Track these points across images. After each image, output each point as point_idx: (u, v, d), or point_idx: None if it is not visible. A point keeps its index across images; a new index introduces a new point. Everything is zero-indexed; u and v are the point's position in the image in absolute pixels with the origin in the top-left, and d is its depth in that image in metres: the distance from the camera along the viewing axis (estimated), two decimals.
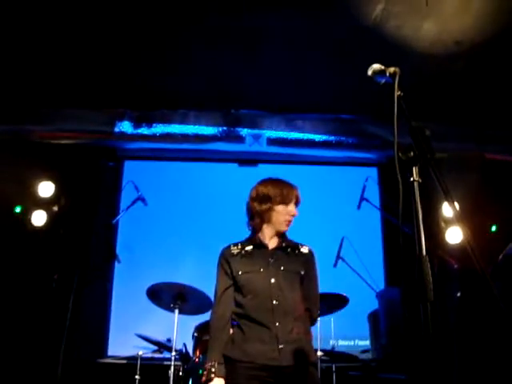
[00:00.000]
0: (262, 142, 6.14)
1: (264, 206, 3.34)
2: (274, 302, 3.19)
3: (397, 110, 1.84)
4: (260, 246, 3.38)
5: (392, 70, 2.00)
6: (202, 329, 4.72)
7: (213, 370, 3.11)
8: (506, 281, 5.28)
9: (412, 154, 1.84)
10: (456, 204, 5.39)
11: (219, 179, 6.73)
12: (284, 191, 3.36)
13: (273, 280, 3.23)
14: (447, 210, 5.84)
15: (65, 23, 4.87)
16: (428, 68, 5.18)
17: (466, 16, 4.68)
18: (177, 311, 4.76)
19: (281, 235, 3.42)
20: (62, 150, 6.33)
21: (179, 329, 4.74)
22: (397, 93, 1.91)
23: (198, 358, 4.55)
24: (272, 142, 6.16)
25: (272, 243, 3.40)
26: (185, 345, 4.85)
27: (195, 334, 4.75)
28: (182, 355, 4.76)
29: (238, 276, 3.29)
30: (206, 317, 4.81)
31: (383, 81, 2.03)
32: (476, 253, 1.65)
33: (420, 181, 1.77)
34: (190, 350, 4.80)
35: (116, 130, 6.18)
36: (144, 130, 6.19)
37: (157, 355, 5.15)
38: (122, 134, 6.22)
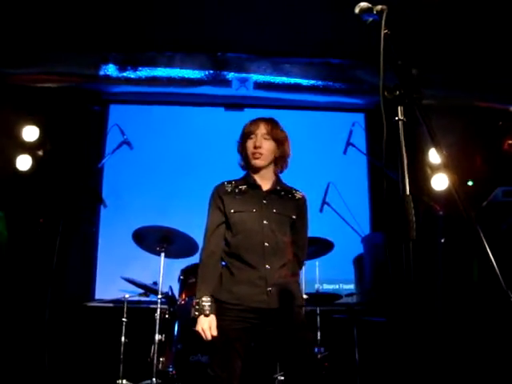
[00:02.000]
0: (249, 86, 6.08)
1: (240, 146, 3.46)
2: (266, 243, 3.20)
3: (383, 48, 1.82)
4: (254, 186, 3.39)
5: (379, 7, 1.97)
6: (187, 272, 4.77)
7: (206, 306, 3.10)
8: (489, 226, 5.35)
9: (398, 92, 1.82)
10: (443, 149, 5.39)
11: (205, 123, 6.68)
12: (247, 126, 3.45)
13: (265, 221, 3.24)
14: (433, 156, 5.85)
15: None
16: (415, 12, 5.10)
17: None
18: (163, 254, 4.79)
19: (275, 178, 3.44)
20: (46, 93, 6.24)
21: (165, 272, 4.78)
22: (384, 31, 1.88)
23: (184, 300, 4.61)
24: (259, 86, 6.09)
25: (266, 185, 3.41)
26: (171, 288, 4.90)
27: (181, 277, 4.80)
28: (168, 298, 4.82)
29: (230, 214, 3.29)
30: (191, 260, 4.87)
31: (370, 19, 2.00)
32: (462, 198, 1.65)
33: (405, 120, 1.76)
34: (176, 293, 4.85)
35: (101, 73, 6.09)
36: (129, 74, 6.10)
37: (143, 298, 5.19)
38: (107, 78, 6.13)
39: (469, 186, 6.16)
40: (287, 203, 3.39)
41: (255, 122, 3.43)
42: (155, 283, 4.90)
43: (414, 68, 1.74)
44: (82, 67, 6.12)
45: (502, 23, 5.40)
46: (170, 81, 6.09)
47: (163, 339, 4.60)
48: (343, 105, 6.66)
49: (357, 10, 2.02)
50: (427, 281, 5.74)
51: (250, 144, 3.38)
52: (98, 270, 6.36)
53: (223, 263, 3.29)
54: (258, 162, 3.36)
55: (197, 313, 3.13)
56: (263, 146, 3.34)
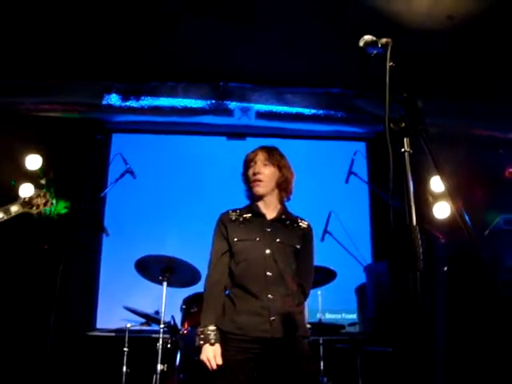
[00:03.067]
0: (251, 116, 6.12)
1: (244, 176, 3.46)
2: (268, 272, 3.17)
3: (389, 80, 1.84)
4: (258, 214, 3.37)
5: (384, 40, 1.99)
6: (190, 301, 4.74)
7: (211, 334, 3.08)
8: (490, 255, 5.35)
9: (403, 124, 1.84)
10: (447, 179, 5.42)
11: (207, 152, 6.71)
12: (247, 156, 3.47)
13: (268, 251, 3.22)
14: (435, 184, 5.87)
15: None
16: (418, 42, 5.16)
17: None
18: (165, 284, 4.77)
19: (281, 207, 3.42)
20: (49, 122, 6.28)
21: (167, 301, 4.75)
22: (389, 63, 1.91)
23: (187, 330, 4.57)
24: (261, 115, 6.14)
25: (271, 214, 3.38)
26: (173, 317, 4.87)
27: (183, 307, 4.77)
28: (171, 327, 4.78)
29: (233, 242, 3.28)
30: (194, 289, 4.85)
31: (375, 52, 2.02)
32: (467, 226, 1.66)
33: (411, 152, 1.77)
34: (179, 323, 4.82)
35: (104, 102, 6.14)
36: (132, 103, 6.15)
37: (145, 328, 5.17)
38: (110, 107, 6.19)
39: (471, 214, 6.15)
40: (292, 232, 3.35)
41: (254, 150, 3.46)
42: (157, 312, 4.88)
43: (418, 99, 1.75)
44: (86, 97, 6.17)
45: (501, 52, 5.45)
46: (173, 110, 6.14)
47: (165, 369, 4.55)
48: (344, 134, 6.70)
49: (361, 43, 2.04)
50: (429, 309, 5.72)
51: (250, 172, 3.39)
52: (99, 299, 6.34)
53: (226, 292, 3.28)
54: (258, 190, 3.35)
55: (201, 342, 3.10)
56: (262, 172, 3.34)
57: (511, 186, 6.48)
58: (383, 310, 5.34)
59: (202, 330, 3.13)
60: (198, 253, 5.52)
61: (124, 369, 4.80)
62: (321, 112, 6.17)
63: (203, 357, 3.08)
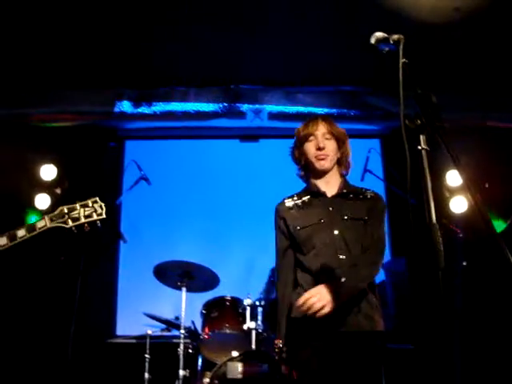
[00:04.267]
0: (263, 117, 6.10)
1: (297, 152, 3.23)
2: (341, 256, 2.92)
3: (402, 77, 1.82)
4: (317, 194, 3.13)
5: (396, 37, 1.97)
6: (209, 306, 4.75)
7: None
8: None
9: (419, 121, 1.81)
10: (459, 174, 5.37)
11: (221, 156, 6.69)
12: (304, 128, 3.20)
13: (336, 231, 2.96)
14: (451, 179, 5.83)
15: (61, 2, 4.80)
16: (427, 36, 5.12)
17: None
18: (184, 289, 4.78)
19: (341, 181, 3.18)
20: (62, 132, 6.30)
21: (187, 306, 4.76)
22: (402, 60, 1.89)
23: (207, 334, 4.57)
24: (273, 116, 6.11)
25: (331, 190, 3.13)
26: (193, 322, 4.86)
27: (203, 311, 4.77)
28: (191, 332, 4.78)
29: (296, 232, 3.05)
30: (213, 293, 4.85)
31: (387, 49, 2.00)
32: (487, 219, 1.64)
33: (428, 149, 1.75)
34: (199, 327, 4.81)
35: (116, 109, 6.14)
36: (144, 109, 6.15)
37: (166, 333, 5.17)
38: (122, 114, 6.19)
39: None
40: (358, 205, 3.08)
41: (312, 122, 3.19)
42: (177, 318, 4.87)
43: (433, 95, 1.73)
44: (97, 105, 6.18)
45: (505, 43, 5.41)
46: (185, 115, 6.13)
47: (188, 374, 4.55)
48: (358, 131, 6.64)
49: (373, 41, 2.02)
50: (447, 305, 5.67)
51: (310, 147, 3.13)
52: (119, 306, 6.35)
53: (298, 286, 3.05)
54: (324, 164, 3.10)
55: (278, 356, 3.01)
56: (327, 147, 3.11)
57: None
58: (403, 308, 5.31)
59: (281, 342, 3.00)
60: (215, 257, 5.57)
61: (146, 375, 4.81)
62: (334, 111, 6.12)
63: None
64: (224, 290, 4.88)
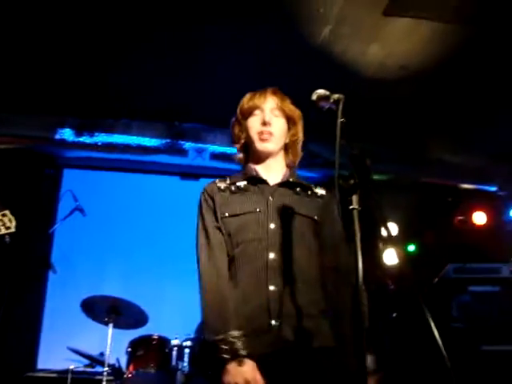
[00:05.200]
0: (205, 157, 6.12)
1: (237, 127, 2.64)
2: (271, 255, 2.29)
3: (339, 136, 1.85)
4: (256, 180, 2.52)
5: (336, 96, 1.99)
6: (135, 343, 4.67)
7: (239, 344, 2.13)
8: (439, 302, 5.39)
9: (352, 181, 1.83)
10: (394, 226, 5.45)
11: (160, 192, 6.67)
12: (248, 100, 2.63)
13: (272, 225, 2.35)
14: (384, 230, 5.93)
15: (5, 24, 4.74)
16: (372, 91, 5.26)
17: (411, 41, 4.77)
18: (111, 325, 4.68)
19: (287, 170, 2.58)
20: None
21: (113, 343, 4.66)
22: (340, 119, 1.92)
23: (131, 373, 4.48)
24: (215, 156, 6.15)
25: (273, 178, 2.53)
26: (118, 359, 4.75)
27: (129, 349, 4.68)
28: (115, 370, 4.67)
29: (224, 219, 2.40)
30: (140, 332, 4.77)
31: (327, 106, 2.02)
32: (411, 275, 1.66)
33: (359, 209, 1.78)
34: (124, 365, 4.71)
35: (57, 136, 6.05)
36: (86, 139, 6.08)
37: (89, 369, 5.03)
38: (63, 142, 6.10)
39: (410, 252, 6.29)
40: (305, 201, 2.48)
41: (260, 93, 2.61)
42: (102, 354, 4.76)
43: (371, 145, 1.77)
44: (38, 130, 6.08)
45: (452, 103, 5.60)
46: (127, 148, 6.10)
47: None
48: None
49: (314, 97, 2.05)
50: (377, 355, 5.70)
51: (253, 122, 2.54)
52: (42, 339, 6.15)
53: None
54: (267, 146, 2.51)
55: (226, 356, 2.10)
56: (273, 124, 2.51)
57: (460, 234, 6.60)
58: None
59: (221, 338, 2.13)
60: (146, 294, 5.49)
61: None
62: None
63: (230, 380, 2.09)
64: (153, 328, 4.80)
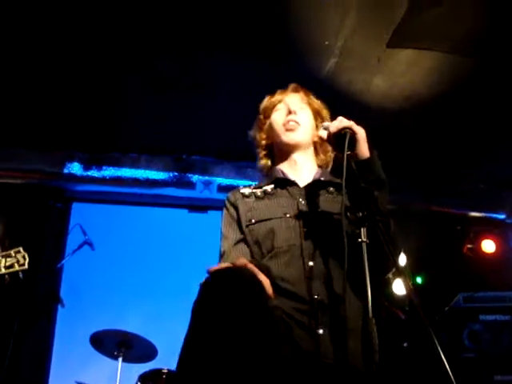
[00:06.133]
0: (213, 189, 6.14)
1: (258, 134, 2.50)
2: (310, 262, 2.04)
3: (346, 169, 1.85)
4: (284, 182, 2.30)
5: (345, 131, 2.01)
6: (145, 378, 4.62)
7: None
8: (450, 332, 5.35)
9: (360, 214, 1.81)
10: (403, 256, 5.43)
11: (169, 225, 6.66)
12: (270, 97, 2.51)
13: (305, 229, 2.11)
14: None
15: (14, 57, 4.79)
16: (377, 122, 5.29)
17: (415, 73, 4.81)
18: (120, 359, 4.67)
19: (319, 169, 2.39)
20: (7, 189, 6.20)
21: (123, 377, 4.64)
22: (347, 152, 1.92)
23: None
24: (222, 189, 6.15)
25: (303, 179, 2.31)
26: None
27: (138, 383, 4.66)
28: None
29: (250, 226, 2.19)
30: (149, 365, 4.74)
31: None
32: (419, 305, 1.65)
33: (368, 242, 1.76)
34: None
35: (65, 171, 6.09)
36: (94, 173, 6.12)
37: None
38: (71, 176, 6.13)
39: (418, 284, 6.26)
40: (339, 200, 2.06)
41: (281, 91, 2.50)
42: None
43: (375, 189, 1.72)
44: (47, 165, 6.12)
45: (457, 132, 5.62)
46: (135, 181, 6.12)
47: None
48: None
49: (320, 130, 2.08)
50: None
51: (278, 115, 2.39)
52: (51, 373, 6.12)
53: None
54: (294, 136, 2.32)
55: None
56: (300, 114, 2.35)
57: (470, 262, 6.57)
58: None
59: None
60: (156, 329, 5.47)
61: None
62: None
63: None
64: (163, 362, 4.78)
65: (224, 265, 1.82)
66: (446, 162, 6.08)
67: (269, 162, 2.45)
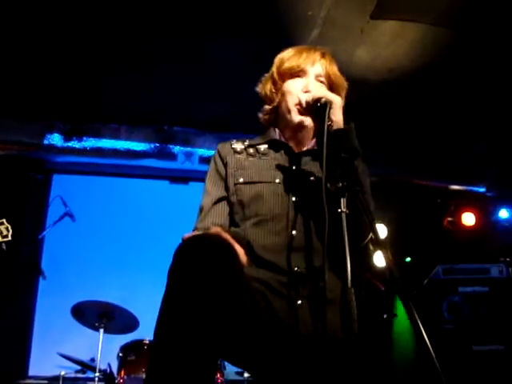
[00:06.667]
0: (194, 160, 6.10)
1: (270, 86, 2.31)
2: (293, 232, 2.01)
3: (325, 140, 1.83)
4: (279, 145, 2.23)
5: (323, 100, 1.98)
6: (127, 349, 4.64)
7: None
8: (430, 303, 5.41)
9: (340, 185, 1.79)
10: (384, 228, 5.45)
11: (150, 196, 6.65)
12: (293, 55, 2.27)
13: (293, 198, 2.07)
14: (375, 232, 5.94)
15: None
16: (359, 94, 5.28)
17: (398, 44, 4.80)
18: (102, 330, 4.67)
19: (316, 140, 2.20)
20: None
21: (104, 348, 4.64)
22: (327, 123, 1.90)
23: (123, 378, 4.45)
24: (204, 160, 6.12)
25: (299, 146, 2.26)
26: (109, 365, 4.74)
27: (120, 354, 4.65)
28: (106, 376, 4.65)
29: (237, 185, 2.13)
30: (131, 336, 4.75)
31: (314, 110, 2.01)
32: (398, 277, 1.65)
33: (347, 212, 1.74)
34: (115, 371, 4.69)
35: (45, 142, 6.00)
36: (74, 144, 6.04)
37: (80, 375, 5.01)
38: (52, 147, 6.05)
39: (406, 262, 6.30)
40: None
41: (308, 53, 2.25)
42: (93, 360, 4.74)
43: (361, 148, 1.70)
44: (26, 136, 6.04)
45: (442, 105, 5.63)
46: (115, 152, 6.06)
47: None
48: None
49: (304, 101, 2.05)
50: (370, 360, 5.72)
51: (294, 87, 2.21)
52: (33, 345, 6.12)
53: None
54: (305, 121, 2.18)
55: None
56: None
57: (449, 235, 6.63)
58: None
59: None
60: (137, 299, 5.47)
61: None
62: None
63: None
64: (144, 332, 4.78)
65: (198, 233, 1.87)
66: (428, 134, 6.10)
67: (268, 118, 2.34)
